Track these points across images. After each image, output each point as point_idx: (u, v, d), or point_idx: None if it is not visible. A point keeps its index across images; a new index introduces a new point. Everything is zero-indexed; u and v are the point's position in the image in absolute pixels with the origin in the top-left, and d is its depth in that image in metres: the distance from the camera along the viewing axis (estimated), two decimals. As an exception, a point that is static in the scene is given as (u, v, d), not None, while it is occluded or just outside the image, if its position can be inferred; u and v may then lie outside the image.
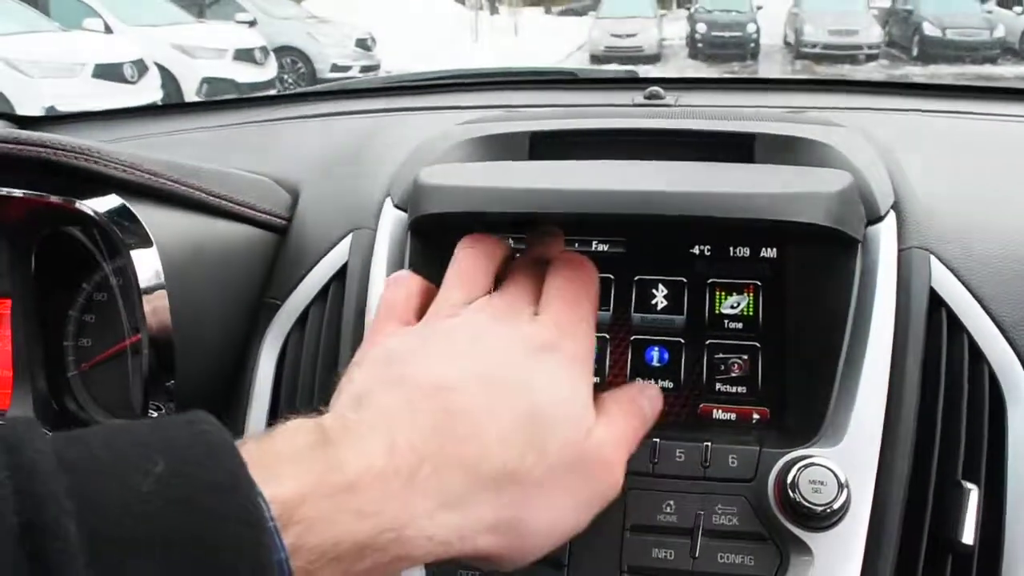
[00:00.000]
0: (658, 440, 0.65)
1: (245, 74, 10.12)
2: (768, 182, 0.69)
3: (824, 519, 0.59)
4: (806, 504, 0.59)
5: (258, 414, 0.77)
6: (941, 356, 0.67)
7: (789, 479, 0.59)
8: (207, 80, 9.78)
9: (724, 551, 0.62)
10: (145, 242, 0.72)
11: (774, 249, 0.74)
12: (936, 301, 0.69)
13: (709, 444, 0.64)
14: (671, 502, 0.63)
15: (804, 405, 0.68)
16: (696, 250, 0.75)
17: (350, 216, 0.83)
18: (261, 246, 0.85)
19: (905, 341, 0.66)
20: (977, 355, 0.67)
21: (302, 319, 0.79)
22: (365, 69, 11.93)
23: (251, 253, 0.83)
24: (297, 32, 12.20)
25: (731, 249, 0.75)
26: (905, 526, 0.61)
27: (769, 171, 0.75)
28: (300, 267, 0.82)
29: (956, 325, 0.68)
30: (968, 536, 0.61)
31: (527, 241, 0.68)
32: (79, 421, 0.88)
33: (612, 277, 0.76)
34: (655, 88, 1.18)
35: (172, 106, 1.31)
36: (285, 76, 11.41)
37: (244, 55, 10.32)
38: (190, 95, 9.41)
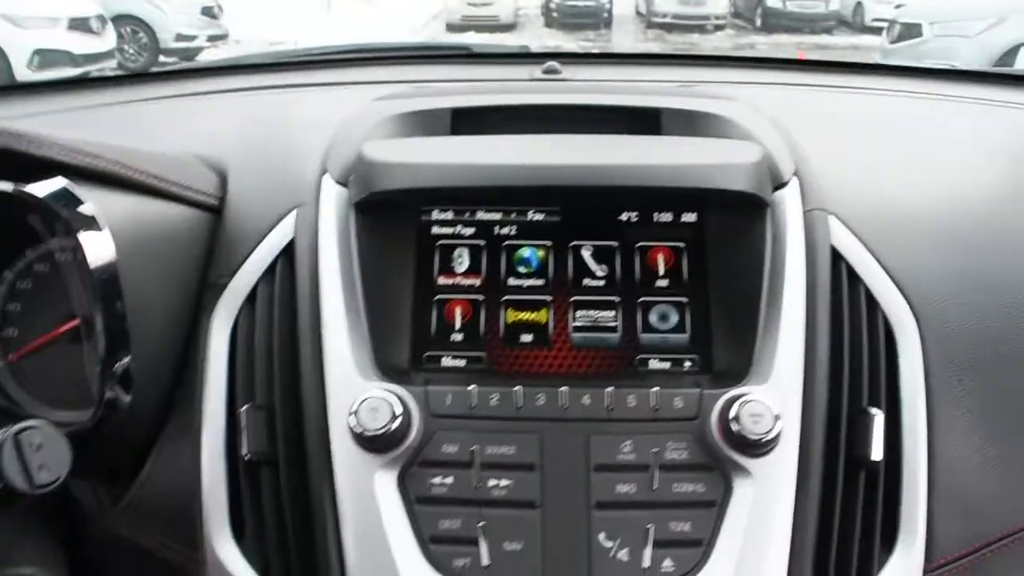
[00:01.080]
0: (612, 389, 0.72)
1: (81, 45, 9.46)
2: (695, 154, 0.77)
3: (763, 447, 0.68)
4: (748, 435, 0.67)
5: (215, 387, 0.79)
6: (843, 303, 0.76)
7: (731, 414, 0.68)
8: (39, 52, 9.10)
9: (678, 481, 0.70)
10: (92, 224, 0.73)
11: (694, 214, 0.82)
12: (835, 256, 0.79)
13: (658, 389, 0.72)
14: (628, 442, 0.70)
15: (731, 350, 0.77)
16: (624, 217, 0.82)
17: (289, 193, 0.85)
18: (199, 226, 0.86)
19: (814, 292, 0.75)
20: (872, 301, 0.78)
21: (251, 297, 0.81)
22: (212, 39, 11.41)
23: (191, 233, 0.84)
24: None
25: (655, 215, 0.82)
26: (825, 448, 0.71)
27: (689, 143, 0.83)
28: (242, 246, 0.84)
29: (854, 276, 0.78)
30: (876, 453, 0.71)
31: None
32: (11, 416, 0.87)
33: (550, 244, 0.82)
34: (552, 63, 1.25)
35: (67, 81, 1.25)
36: (125, 47, 10.76)
37: (79, 24, 9.65)
38: (21, 69, 8.75)
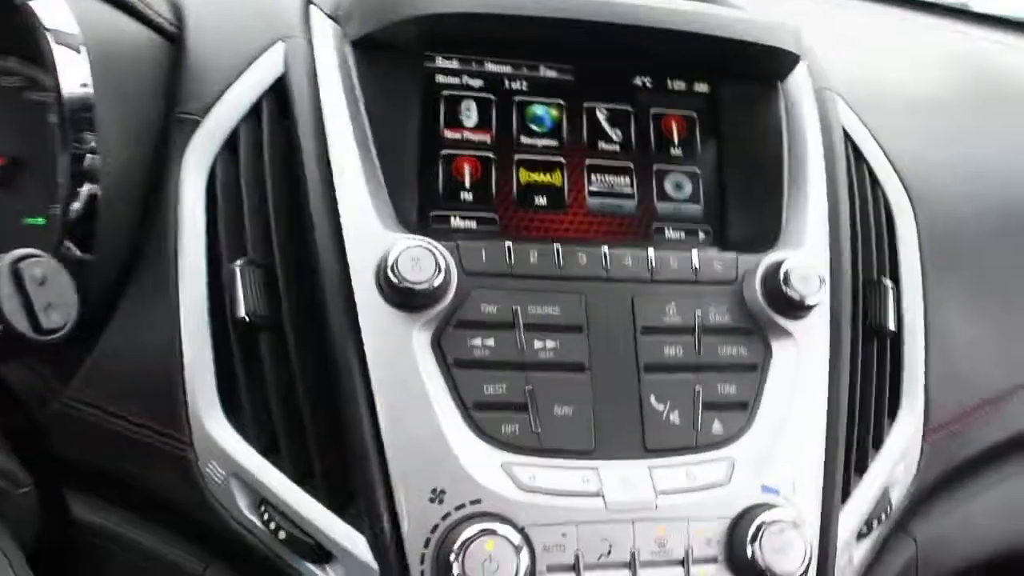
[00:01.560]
0: (652, 250, 0.68)
1: None
2: (721, 11, 0.74)
3: (808, 308, 0.68)
4: (797, 297, 0.67)
5: (192, 242, 0.66)
6: (852, 180, 0.78)
7: (781, 276, 0.67)
8: None
9: (722, 345, 0.68)
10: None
11: (707, 85, 0.79)
12: (843, 135, 0.80)
13: (696, 251, 0.69)
14: (673, 304, 0.68)
15: (748, 221, 0.76)
16: (638, 81, 0.79)
17: (266, 24, 0.73)
18: (158, 52, 0.71)
19: (833, 164, 0.76)
20: (875, 180, 0.80)
21: (230, 140, 0.69)
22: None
23: (152, 56, 0.70)
24: None
25: (668, 82, 0.79)
26: (852, 315, 0.72)
27: (714, 6, 0.80)
28: (213, 80, 0.71)
29: (859, 155, 0.80)
30: (892, 323, 0.74)
31: None
32: None
33: (563, 103, 0.77)
34: None
35: None
36: None
37: None
38: None
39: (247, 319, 0.63)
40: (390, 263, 0.61)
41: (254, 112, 0.70)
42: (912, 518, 0.76)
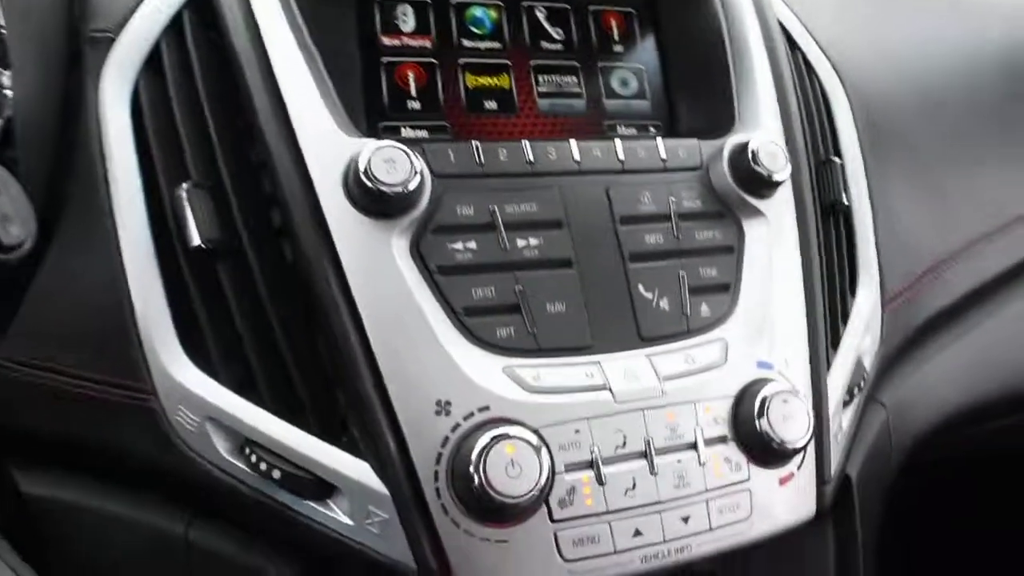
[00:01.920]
0: (620, 141, 0.67)
1: None
2: None
3: (775, 185, 0.68)
4: (765, 173, 0.66)
5: (124, 170, 0.59)
6: (791, 67, 0.78)
7: (749, 155, 0.66)
8: None
9: (698, 229, 0.67)
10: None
11: None
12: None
13: (661, 140, 0.68)
14: (647, 193, 0.66)
15: (696, 113, 0.76)
16: None
17: None
18: None
19: (775, 52, 0.76)
20: (809, 66, 0.81)
21: (152, 57, 0.62)
22: None
23: None
24: None
25: None
26: (812, 192, 0.73)
27: None
28: None
29: (793, 44, 0.81)
30: (847, 197, 0.75)
31: None
32: None
33: (502, 4, 0.74)
34: None
35: None
36: None
37: None
38: None
39: (203, 247, 0.57)
40: (362, 167, 0.56)
41: (175, 24, 0.63)
42: (880, 385, 0.78)
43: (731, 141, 0.68)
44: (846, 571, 0.74)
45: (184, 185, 0.58)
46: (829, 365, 0.71)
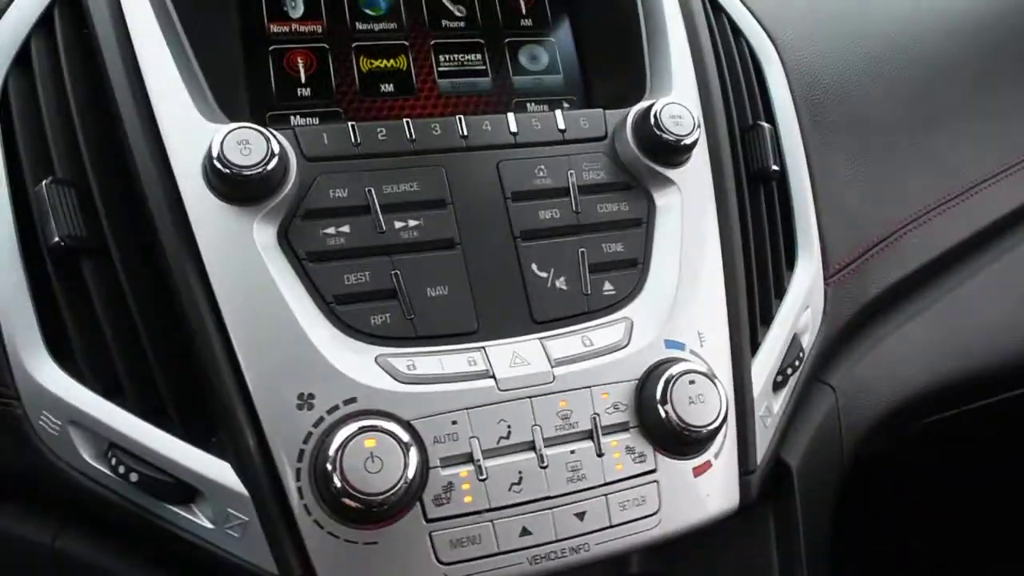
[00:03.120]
0: (512, 113, 0.63)
1: None
2: None
3: (684, 151, 0.63)
4: (670, 137, 0.62)
5: None
6: (714, 31, 0.73)
7: (652, 120, 0.62)
8: None
9: (601, 202, 0.62)
10: None
11: None
12: None
13: (560, 111, 0.64)
14: (542, 167, 0.62)
15: (612, 84, 0.71)
16: None
17: None
18: None
19: (691, 17, 0.71)
20: (737, 32, 0.76)
21: (22, 56, 0.60)
22: None
23: None
24: None
25: None
26: (732, 160, 0.68)
27: None
28: None
29: (717, 8, 0.76)
30: (772, 162, 0.70)
31: None
32: None
33: None
34: None
35: None
36: None
37: None
38: None
39: (62, 243, 0.55)
40: (215, 151, 0.53)
41: (45, 21, 0.61)
42: (827, 366, 0.72)
43: (636, 108, 0.64)
44: (788, 564, 0.68)
45: (45, 181, 0.56)
46: (757, 344, 0.65)
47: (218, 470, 0.53)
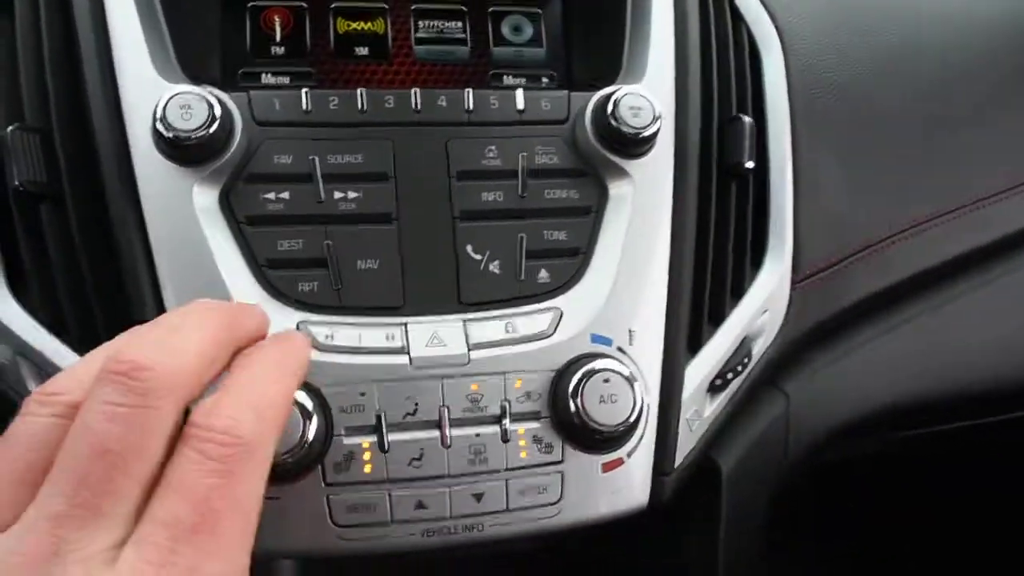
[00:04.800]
0: (471, 90, 0.62)
1: None
2: None
3: (641, 144, 0.61)
4: (626, 129, 0.60)
5: None
6: (709, 17, 0.70)
7: (609, 109, 0.60)
8: None
9: (550, 188, 0.62)
10: None
11: None
12: None
13: (521, 91, 0.63)
14: (492, 147, 0.62)
15: (593, 64, 0.69)
16: None
17: None
18: None
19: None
20: (737, 16, 0.72)
21: (6, 3, 0.63)
22: None
23: None
24: None
25: None
26: (701, 154, 0.66)
27: None
28: None
29: None
30: (749, 159, 0.67)
31: None
32: None
33: None
34: None
35: None
36: None
37: None
38: None
39: (21, 188, 0.58)
40: (158, 113, 0.55)
41: None
42: (783, 373, 0.70)
43: (601, 92, 0.62)
44: (708, 560, 0.68)
45: (12, 127, 0.59)
46: (700, 344, 0.64)
47: None
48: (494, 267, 0.60)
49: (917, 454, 0.83)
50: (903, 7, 0.80)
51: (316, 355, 0.56)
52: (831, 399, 0.72)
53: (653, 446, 0.61)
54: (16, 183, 0.58)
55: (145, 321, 0.54)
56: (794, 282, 0.69)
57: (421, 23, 0.70)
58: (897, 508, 1.12)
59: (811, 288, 0.70)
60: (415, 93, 0.61)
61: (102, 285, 0.58)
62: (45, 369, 0.58)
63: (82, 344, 0.58)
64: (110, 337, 0.56)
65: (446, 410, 0.56)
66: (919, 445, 0.81)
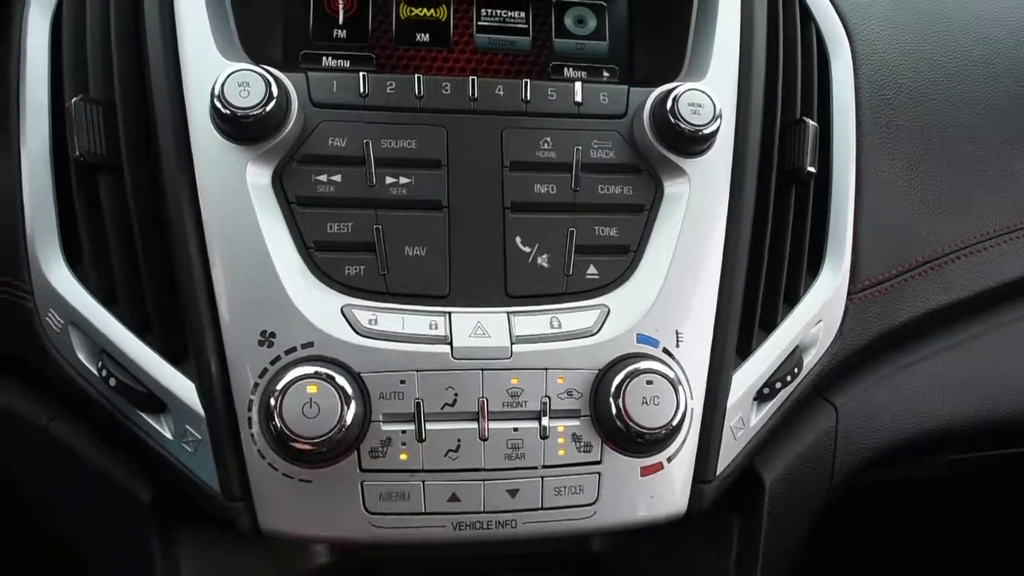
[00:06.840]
0: (528, 81, 0.61)
1: None
2: None
3: (700, 142, 0.60)
4: (685, 127, 0.59)
5: (36, 78, 0.62)
6: (778, 16, 0.68)
7: (669, 105, 0.59)
8: None
9: (603, 183, 0.61)
10: None
11: None
12: None
13: (580, 84, 0.62)
14: (548, 139, 0.61)
15: (656, 59, 0.68)
16: None
17: None
18: None
19: None
20: (807, 15, 0.70)
21: None
22: None
23: None
24: None
25: None
26: (761, 157, 0.64)
27: None
28: None
29: None
30: (811, 164, 0.65)
31: None
32: None
33: None
34: None
35: None
36: None
37: None
38: None
39: (81, 158, 0.59)
40: (217, 90, 0.56)
41: None
42: (834, 385, 0.68)
43: (661, 88, 0.61)
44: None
45: (76, 97, 0.60)
46: (749, 350, 0.63)
47: (184, 389, 0.57)
48: (542, 260, 0.59)
49: (963, 478, 0.79)
50: (981, 14, 0.77)
51: (357, 339, 0.56)
52: (883, 416, 0.69)
53: (695, 452, 0.59)
54: (77, 154, 0.59)
55: (193, 296, 0.55)
56: (851, 293, 0.67)
57: (484, 11, 0.69)
58: (939, 533, 1.09)
59: (868, 300, 0.67)
60: (472, 81, 0.61)
61: (153, 258, 0.59)
62: (96, 342, 0.59)
63: (131, 316, 0.59)
64: (156, 311, 0.57)
65: (485, 402, 0.56)
66: (968, 468, 0.78)
